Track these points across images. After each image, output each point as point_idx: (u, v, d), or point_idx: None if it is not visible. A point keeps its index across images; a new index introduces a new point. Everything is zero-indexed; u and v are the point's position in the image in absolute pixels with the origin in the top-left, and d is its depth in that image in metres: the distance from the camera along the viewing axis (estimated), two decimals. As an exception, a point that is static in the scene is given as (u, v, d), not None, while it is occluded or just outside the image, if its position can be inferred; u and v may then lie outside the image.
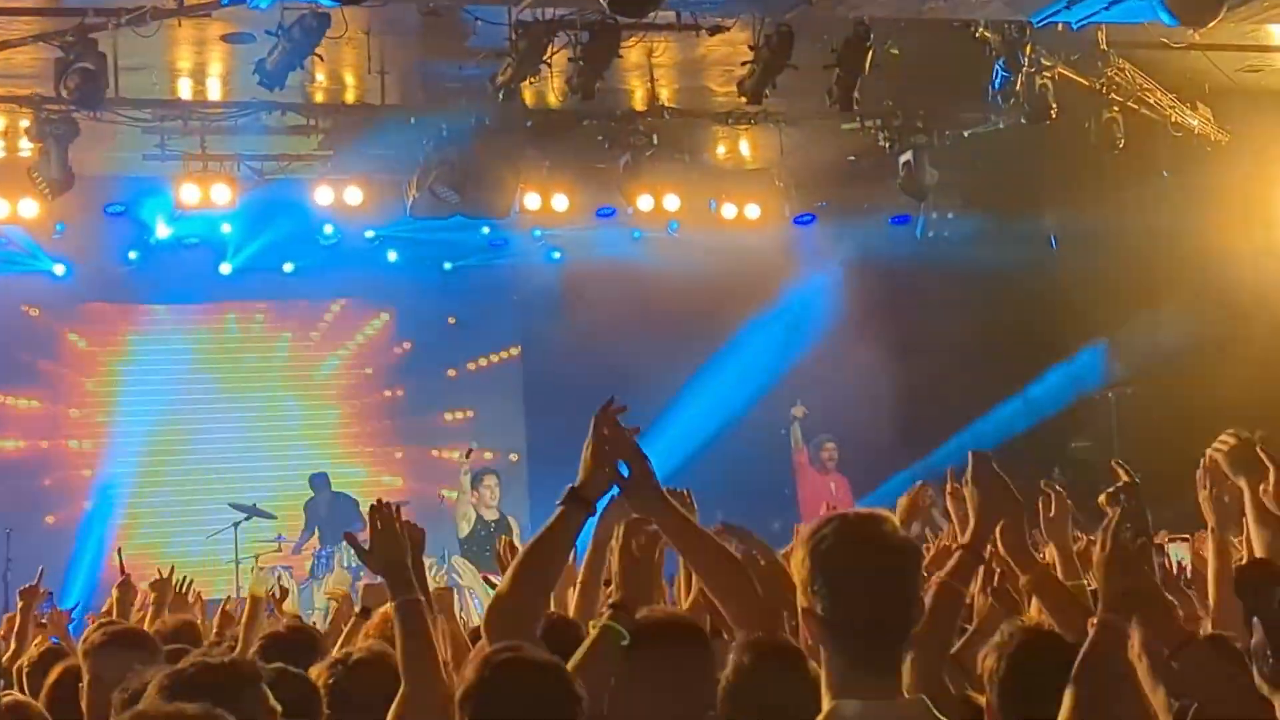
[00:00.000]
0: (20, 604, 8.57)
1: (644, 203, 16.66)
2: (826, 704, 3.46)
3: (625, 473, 4.65)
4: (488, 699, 3.81)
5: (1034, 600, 5.18)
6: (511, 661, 3.88)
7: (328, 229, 17.72)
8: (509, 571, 4.75)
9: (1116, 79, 14.81)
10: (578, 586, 6.29)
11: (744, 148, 17.15)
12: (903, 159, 15.83)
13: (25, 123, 13.99)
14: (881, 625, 3.42)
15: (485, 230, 18.45)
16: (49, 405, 18.58)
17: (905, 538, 3.53)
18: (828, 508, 16.14)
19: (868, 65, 13.12)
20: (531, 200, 16.77)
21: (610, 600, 4.52)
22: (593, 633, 4.41)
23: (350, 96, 15.19)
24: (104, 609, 9.14)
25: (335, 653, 5.42)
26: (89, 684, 5.35)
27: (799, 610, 3.54)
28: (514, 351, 20.20)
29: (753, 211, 17.97)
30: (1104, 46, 14.35)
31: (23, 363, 18.31)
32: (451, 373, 19.74)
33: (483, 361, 19.98)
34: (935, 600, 4.35)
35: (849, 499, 17.03)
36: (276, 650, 5.49)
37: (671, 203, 16.97)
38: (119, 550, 10.55)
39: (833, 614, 3.43)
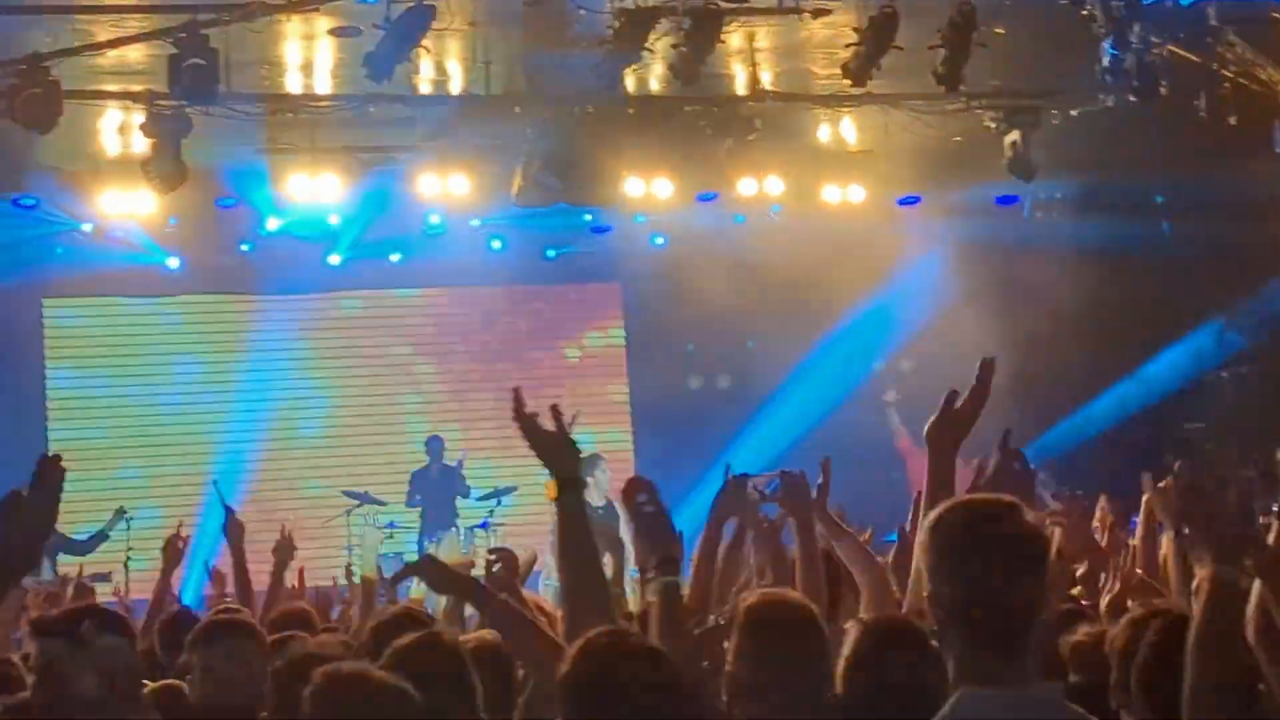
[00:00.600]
0: (163, 564, 8.74)
1: (746, 187, 16.69)
2: (954, 691, 3.46)
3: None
4: (588, 684, 3.83)
5: None
6: (612, 646, 3.89)
7: (434, 218, 17.86)
8: (561, 577, 4.79)
9: (1227, 55, 14.61)
10: (691, 576, 6.33)
11: (847, 130, 17.05)
12: (1009, 139, 15.69)
13: (139, 119, 14.16)
14: (1007, 612, 3.40)
15: (588, 217, 18.54)
16: (163, 397, 18.81)
17: (1031, 524, 3.50)
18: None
19: (973, 45, 13.04)
20: (634, 186, 16.81)
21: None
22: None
23: (455, 87, 15.25)
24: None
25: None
26: (199, 675, 5.33)
27: (925, 595, 3.55)
28: (618, 337, 20.27)
29: (856, 194, 17.92)
30: (1214, 22, 14.15)
31: (137, 354, 18.56)
32: (558, 357, 19.84)
33: (588, 347, 20.06)
34: None
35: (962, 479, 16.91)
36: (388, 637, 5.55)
37: (774, 186, 16.98)
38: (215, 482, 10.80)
39: (957, 600, 3.42)
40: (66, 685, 4.42)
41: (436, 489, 17.97)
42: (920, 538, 3.56)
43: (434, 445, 18.29)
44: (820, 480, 6.40)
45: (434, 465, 18.16)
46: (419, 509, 17.91)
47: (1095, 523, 7.98)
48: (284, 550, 8.29)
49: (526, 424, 4.60)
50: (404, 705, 3.73)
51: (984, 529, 3.43)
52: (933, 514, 3.55)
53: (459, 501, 17.99)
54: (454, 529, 17.01)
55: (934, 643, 4.05)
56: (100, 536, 16.12)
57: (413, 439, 18.72)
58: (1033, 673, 3.44)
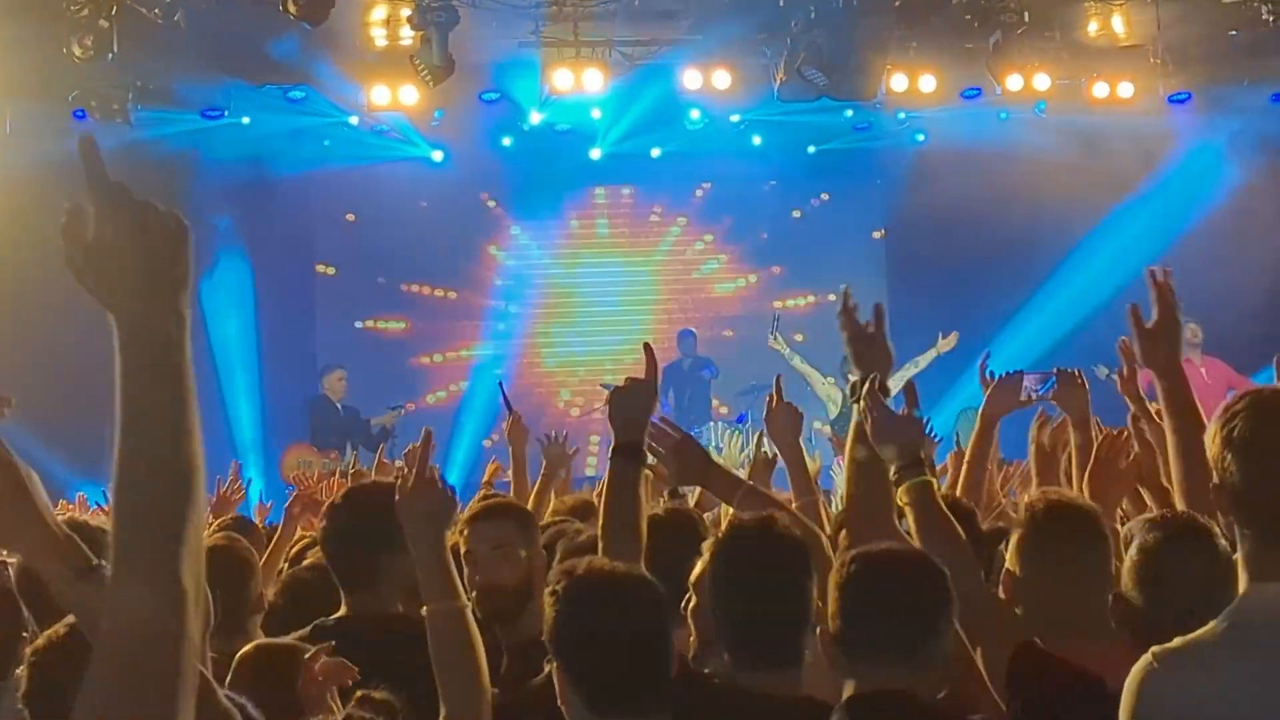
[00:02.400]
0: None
1: (1013, 83, 16.34)
2: (1243, 585, 3.39)
3: None
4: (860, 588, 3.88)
5: None
6: (888, 554, 3.95)
7: (694, 114, 17.86)
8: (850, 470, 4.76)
9: None
10: (964, 476, 6.33)
11: (1117, 24, 16.61)
12: (1288, 32, 15.16)
13: (407, 11, 14.37)
14: None
15: (849, 113, 18.38)
16: (426, 288, 19.20)
17: None
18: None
19: (1257, -66, 12.60)
20: (898, 81, 16.62)
21: None
22: None
23: (720, -21, 15.21)
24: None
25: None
26: (465, 555, 5.20)
27: (1211, 487, 3.48)
28: (878, 234, 20.14)
29: (1125, 90, 17.43)
30: None
31: (405, 248, 18.93)
32: (818, 253, 19.79)
33: (848, 244, 19.97)
34: None
35: (1228, 380, 16.52)
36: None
37: (1041, 82, 16.57)
38: (500, 383, 10.73)
39: (1245, 491, 3.33)
40: None
41: (688, 383, 18.13)
42: (1209, 428, 3.48)
43: (686, 339, 18.43)
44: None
45: (686, 359, 18.30)
46: (671, 402, 18.10)
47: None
48: (558, 455, 7.90)
49: (852, 326, 4.65)
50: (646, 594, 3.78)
51: (1265, 417, 3.33)
52: (1222, 404, 3.47)
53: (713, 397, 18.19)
54: (711, 423, 17.13)
55: (1223, 542, 3.99)
56: (383, 434, 16.55)
57: (669, 333, 18.84)
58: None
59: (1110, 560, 4.37)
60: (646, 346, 4.81)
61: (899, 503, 4.35)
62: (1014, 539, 4.40)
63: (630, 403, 4.70)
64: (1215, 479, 3.42)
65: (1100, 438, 5.46)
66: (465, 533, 5.21)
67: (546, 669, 3.79)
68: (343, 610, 5.00)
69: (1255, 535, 3.34)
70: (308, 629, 4.85)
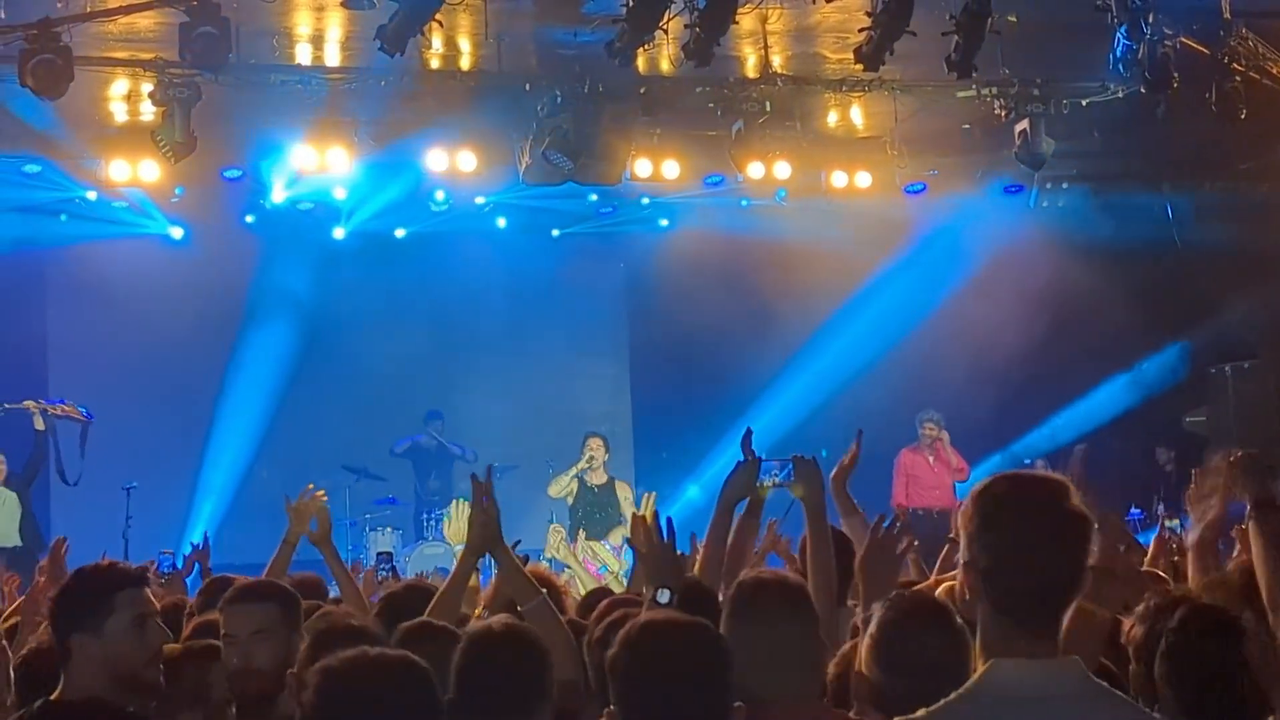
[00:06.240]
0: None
1: (754, 170, 16.59)
2: (981, 663, 3.46)
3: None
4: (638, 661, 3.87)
5: None
6: (659, 623, 3.94)
7: (439, 195, 17.84)
8: None
9: (1239, 49, 14.60)
10: (700, 557, 6.39)
11: (856, 115, 17.06)
12: (1019, 128, 15.65)
13: (148, 87, 14.14)
14: (1047, 588, 3.38)
15: (593, 198, 18.51)
16: (168, 367, 18.69)
17: (1077, 505, 3.49)
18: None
19: (987, 32, 13.00)
20: (642, 167, 16.78)
21: None
22: None
23: (466, 63, 15.22)
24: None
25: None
26: (223, 638, 5.16)
27: (961, 564, 3.55)
28: (621, 318, 20.27)
29: (863, 180, 17.88)
30: (1227, 15, 14.15)
31: (143, 323, 18.44)
32: (560, 336, 19.83)
33: (591, 327, 20.06)
34: None
35: (956, 465, 16.96)
36: (394, 610, 5.53)
37: (782, 170, 16.85)
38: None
39: (997, 572, 3.42)
40: None
41: (435, 463, 18.04)
42: (964, 505, 3.56)
43: (433, 420, 18.33)
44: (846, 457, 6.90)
45: (432, 440, 18.20)
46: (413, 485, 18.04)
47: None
48: (308, 514, 7.35)
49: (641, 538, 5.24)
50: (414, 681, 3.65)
51: (1024, 498, 3.44)
52: (979, 483, 3.56)
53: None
54: (455, 501, 17.04)
55: (959, 620, 4.07)
56: None
57: (415, 414, 18.69)
58: (1060, 648, 3.44)
59: (813, 631, 4.49)
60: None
61: None
62: (724, 614, 4.52)
63: None
64: (966, 555, 3.50)
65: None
66: (224, 615, 5.12)
67: None
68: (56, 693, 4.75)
69: (999, 612, 3.43)
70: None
